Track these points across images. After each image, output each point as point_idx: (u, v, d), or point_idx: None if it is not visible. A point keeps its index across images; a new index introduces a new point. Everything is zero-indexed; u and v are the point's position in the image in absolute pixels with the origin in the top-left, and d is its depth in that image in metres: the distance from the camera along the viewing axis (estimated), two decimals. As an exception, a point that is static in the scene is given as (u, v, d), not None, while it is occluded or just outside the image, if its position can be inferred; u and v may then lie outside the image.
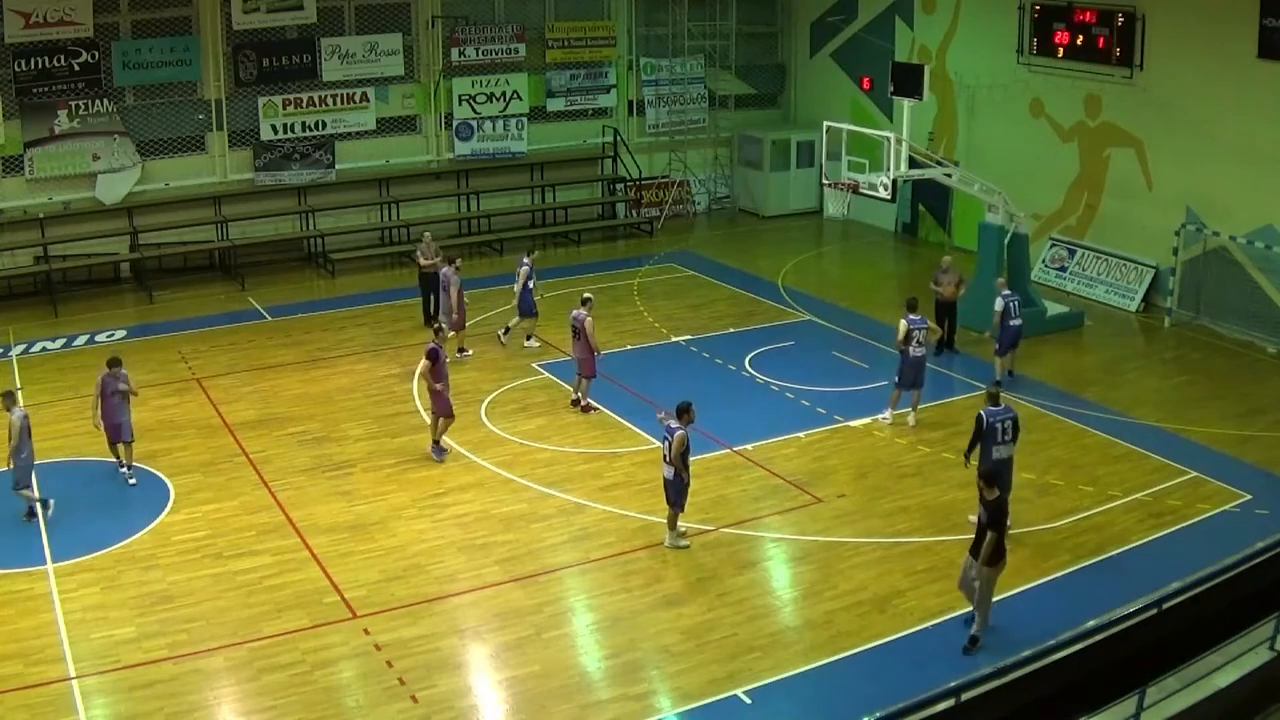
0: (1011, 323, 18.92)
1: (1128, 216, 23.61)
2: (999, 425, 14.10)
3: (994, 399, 14.46)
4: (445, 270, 20.62)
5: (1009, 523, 12.53)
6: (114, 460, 16.23)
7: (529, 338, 21.03)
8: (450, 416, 16.81)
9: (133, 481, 15.93)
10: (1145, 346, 21.99)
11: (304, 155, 26.71)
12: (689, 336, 21.62)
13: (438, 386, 16.44)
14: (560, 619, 12.95)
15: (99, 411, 15.79)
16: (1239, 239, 21.43)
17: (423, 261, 21.92)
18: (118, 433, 15.97)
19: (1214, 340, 21.59)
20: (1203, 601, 8.28)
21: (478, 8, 28.33)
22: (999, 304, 18.92)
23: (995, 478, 12.13)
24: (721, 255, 27.32)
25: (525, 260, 20.83)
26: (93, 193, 24.95)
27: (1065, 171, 24.75)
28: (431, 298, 21.83)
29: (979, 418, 14.17)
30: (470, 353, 20.64)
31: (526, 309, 20.74)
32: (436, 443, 16.80)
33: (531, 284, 20.67)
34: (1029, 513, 15.11)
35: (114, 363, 16.05)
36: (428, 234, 22.69)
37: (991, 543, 11.82)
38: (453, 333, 20.05)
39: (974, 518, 12.61)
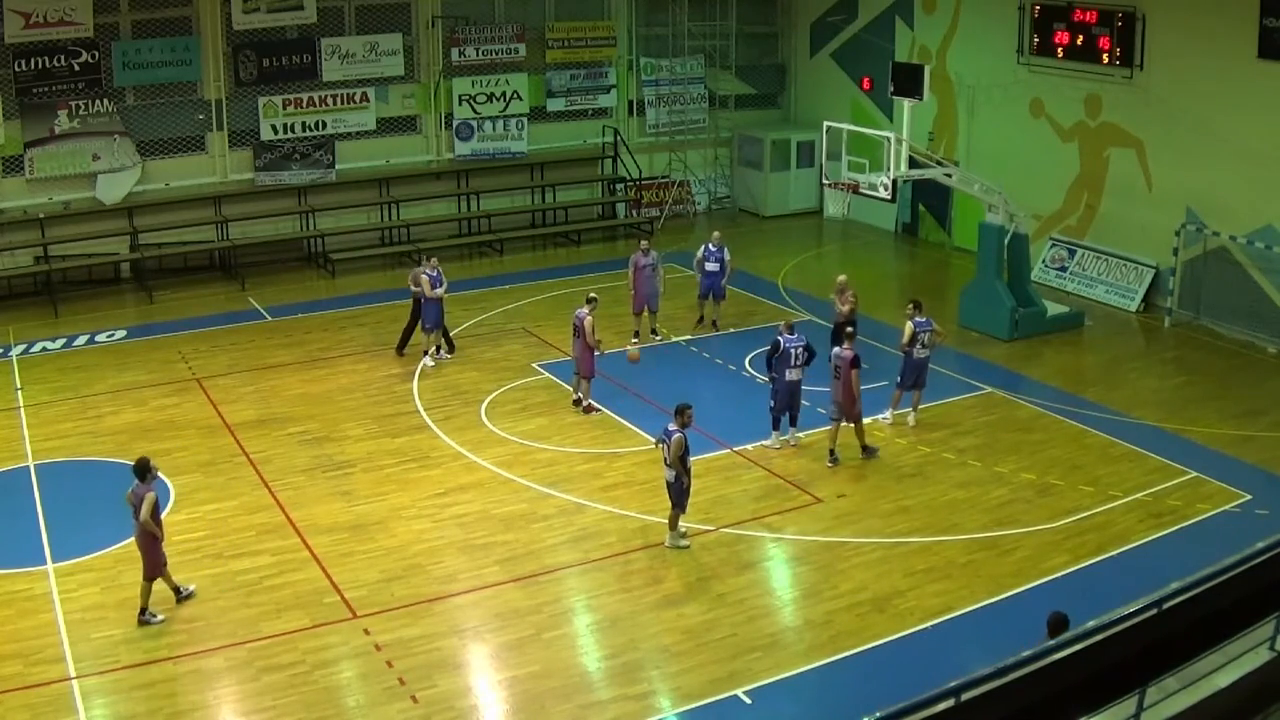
0: (708, 266, 21.41)
1: (1128, 216, 23.58)
2: (793, 350, 16.53)
3: (790, 329, 16.90)
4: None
5: None
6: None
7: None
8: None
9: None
10: (1145, 346, 21.97)
11: (304, 155, 26.69)
12: (689, 337, 21.62)
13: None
14: (560, 619, 12.95)
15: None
16: (1239, 239, 21.41)
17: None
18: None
19: (1214, 340, 21.58)
20: (1203, 601, 8.25)
21: (478, 8, 28.31)
22: (700, 252, 21.62)
23: None
24: (721, 255, 27.29)
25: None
26: (93, 193, 24.93)
27: (1065, 171, 24.73)
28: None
29: (776, 342, 16.64)
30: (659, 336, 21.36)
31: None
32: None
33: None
34: (1029, 513, 15.13)
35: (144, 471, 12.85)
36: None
37: None
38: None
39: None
